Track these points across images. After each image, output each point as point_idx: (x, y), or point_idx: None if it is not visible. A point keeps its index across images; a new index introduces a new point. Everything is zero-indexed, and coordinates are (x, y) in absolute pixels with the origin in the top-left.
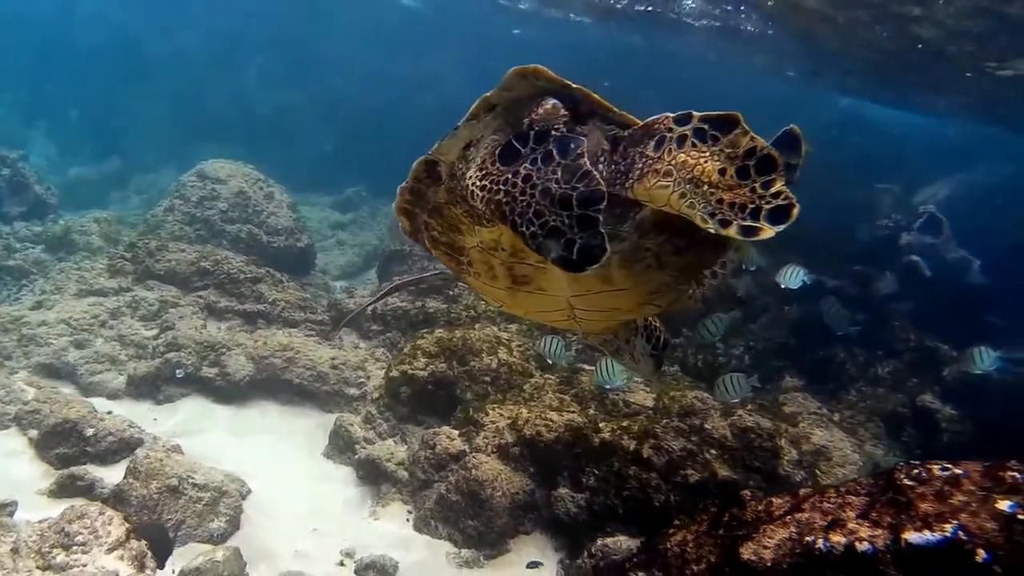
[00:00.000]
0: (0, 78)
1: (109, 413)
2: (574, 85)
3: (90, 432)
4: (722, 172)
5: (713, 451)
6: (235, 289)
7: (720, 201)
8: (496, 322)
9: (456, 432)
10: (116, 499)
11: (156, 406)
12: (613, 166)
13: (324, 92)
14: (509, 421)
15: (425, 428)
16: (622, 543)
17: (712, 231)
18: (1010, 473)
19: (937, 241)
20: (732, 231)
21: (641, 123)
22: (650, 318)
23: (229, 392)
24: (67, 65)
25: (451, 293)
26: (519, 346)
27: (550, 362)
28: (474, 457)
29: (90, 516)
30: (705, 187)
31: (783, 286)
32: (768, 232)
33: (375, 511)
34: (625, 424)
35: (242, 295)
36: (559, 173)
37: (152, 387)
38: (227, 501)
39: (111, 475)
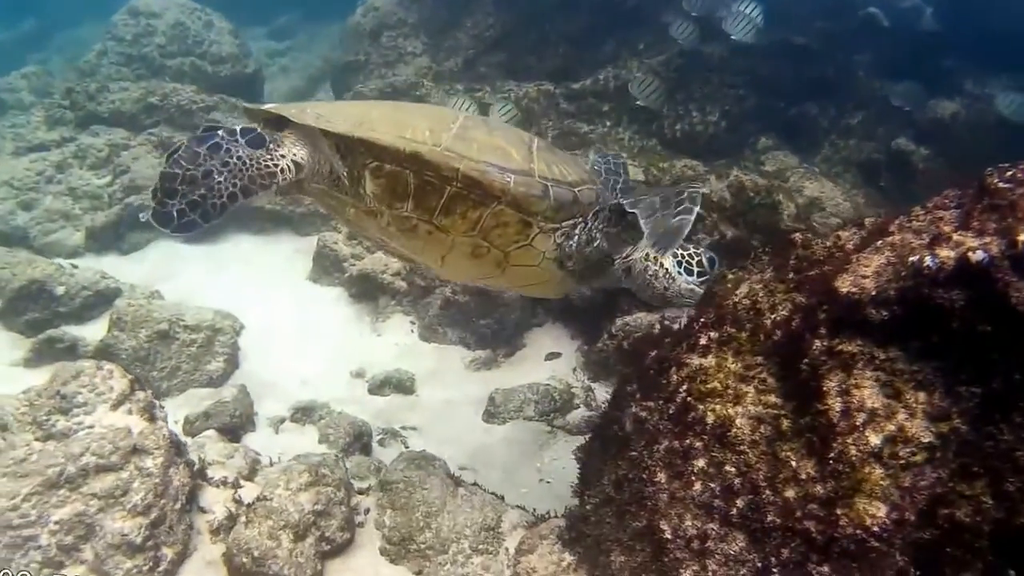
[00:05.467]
0: None
1: (75, 267)
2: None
3: (60, 290)
4: None
5: (715, 214)
6: (188, 121)
7: None
8: None
9: None
10: (103, 355)
11: (122, 256)
12: None
13: None
14: None
15: None
16: (642, 319)
17: None
18: None
19: None
20: None
21: None
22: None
23: None
24: None
25: None
26: None
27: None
28: None
29: (87, 373)
30: None
31: (732, 36)
32: None
33: (376, 327)
34: None
35: (197, 127)
36: None
37: (114, 237)
38: (222, 339)
39: (91, 332)
